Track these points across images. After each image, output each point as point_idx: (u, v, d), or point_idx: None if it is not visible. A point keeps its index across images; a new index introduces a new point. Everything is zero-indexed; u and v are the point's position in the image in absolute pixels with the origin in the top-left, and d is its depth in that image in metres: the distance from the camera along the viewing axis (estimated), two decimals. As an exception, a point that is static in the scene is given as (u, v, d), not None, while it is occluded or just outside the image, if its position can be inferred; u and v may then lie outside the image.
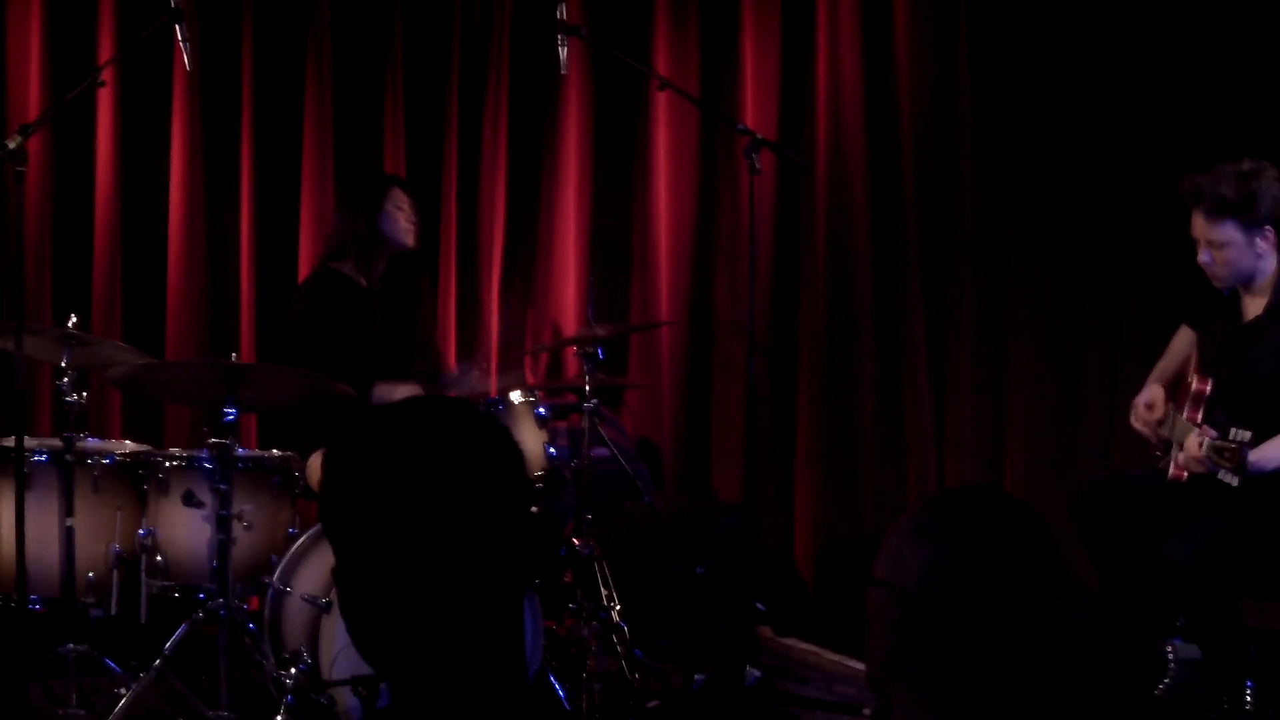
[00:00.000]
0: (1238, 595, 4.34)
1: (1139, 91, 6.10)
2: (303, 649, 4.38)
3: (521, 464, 1.69)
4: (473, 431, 1.67)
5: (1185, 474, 4.50)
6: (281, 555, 4.65)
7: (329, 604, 4.33)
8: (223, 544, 4.40)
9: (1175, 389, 4.78)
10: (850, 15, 6.66)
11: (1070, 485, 5.45)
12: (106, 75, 5.48)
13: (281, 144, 6.49)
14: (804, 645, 5.95)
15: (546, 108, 6.84)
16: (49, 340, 4.63)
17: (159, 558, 4.66)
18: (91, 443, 4.90)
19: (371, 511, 1.62)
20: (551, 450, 5.12)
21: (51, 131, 6.12)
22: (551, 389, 6.53)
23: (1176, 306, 5.05)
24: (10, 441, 4.37)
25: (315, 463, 4.97)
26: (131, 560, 4.69)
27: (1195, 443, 4.34)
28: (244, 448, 5.33)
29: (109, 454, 4.79)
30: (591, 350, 5.21)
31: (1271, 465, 4.28)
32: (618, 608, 5.17)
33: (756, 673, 4.97)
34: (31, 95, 6.13)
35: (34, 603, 4.58)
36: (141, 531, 4.68)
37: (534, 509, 5.01)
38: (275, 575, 4.58)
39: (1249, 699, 4.30)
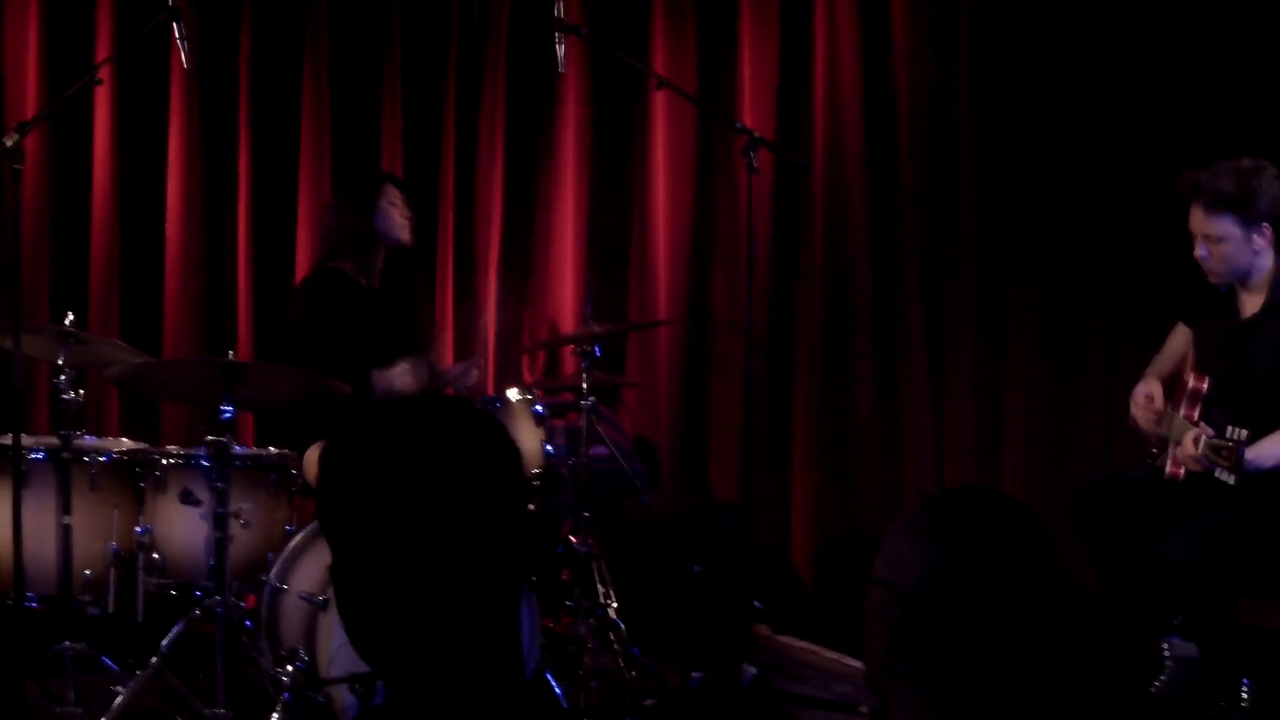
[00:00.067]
0: (1235, 594, 4.34)
1: (1137, 91, 6.10)
2: (300, 647, 4.38)
3: (518, 462, 1.69)
4: (470, 429, 1.66)
5: (1182, 472, 4.51)
6: (279, 553, 4.65)
7: (326, 602, 4.33)
8: (220, 542, 4.40)
9: (1171, 387, 4.78)
10: (848, 14, 6.66)
11: (1068, 484, 5.45)
12: (104, 73, 5.48)
13: (279, 142, 6.49)
14: (801, 643, 5.94)
15: (544, 106, 6.84)
16: (46, 338, 4.63)
17: (156, 555, 4.66)
18: (89, 441, 4.90)
19: (368, 509, 1.62)
20: (549, 448, 5.12)
21: (49, 129, 6.13)
22: (549, 387, 6.53)
23: (1175, 305, 5.05)
24: (7, 439, 4.37)
25: (313, 460, 4.97)
26: (129, 558, 4.69)
27: (1193, 441, 4.34)
28: (241, 446, 5.34)
29: (106, 452, 4.79)
30: (589, 349, 5.21)
31: (1269, 463, 4.28)
32: (615, 606, 5.17)
33: (753, 671, 4.97)
34: (29, 93, 6.13)
35: (31, 600, 4.58)
36: (139, 529, 4.68)
37: (531, 507, 5.01)
38: (272, 573, 4.58)
39: (1246, 697, 4.30)
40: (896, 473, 6.59)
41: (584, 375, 5.21)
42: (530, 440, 5.05)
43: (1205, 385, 4.59)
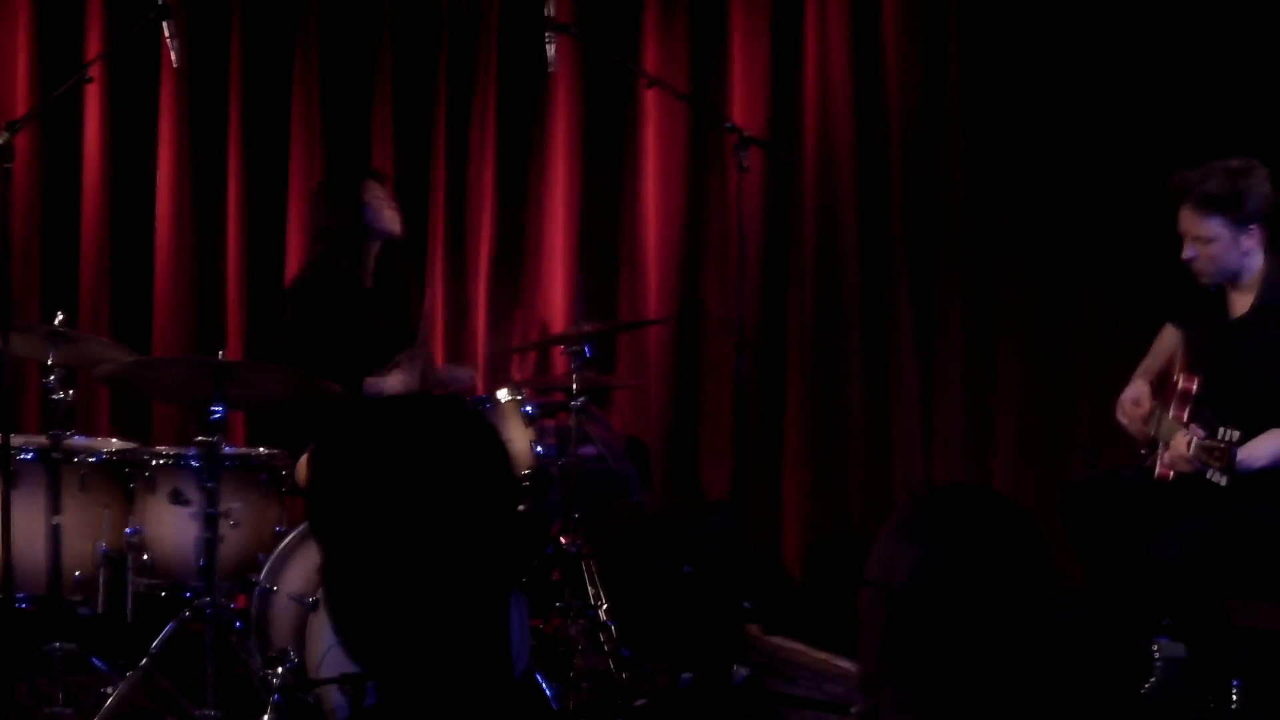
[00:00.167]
0: (1224, 595, 4.34)
1: (1128, 90, 6.10)
2: (289, 647, 4.37)
3: (508, 462, 1.69)
4: (460, 430, 1.66)
5: (1172, 473, 4.50)
6: (269, 553, 4.63)
7: (316, 602, 4.32)
8: (210, 542, 4.39)
9: (1160, 388, 4.78)
10: (839, 13, 6.65)
11: (1059, 483, 5.45)
12: (94, 71, 5.46)
13: (269, 140, 6.48)
14: (792, 644, 5.94)
15: (535, 105, 6.83)
16: (36, 337, 4.62)
17: (146, 556, 4.65)
18: (78, 440, 4.89)
19: (358, 510, 1.62)
20: (539, 448, 5.11)
21: (39, 128, 6.11)
22: (539, 387, 6.52)
23: (1165, 306, 5.05)
24: (-3, 439, 4.36)
25: (303, 460, 4.96)
26: (118, 558, 4.68)
27: (1183, 442, 4.33)
28: (231, 445, 5.32)
29: (96, 452, 4.78)
30: (579, 348, 5.21)
31: (1260, 463, 4.28)
32: (605, 606, 5.17)
33: (744, 671, 4.97)
34: (19, 91, 6.12)
35: (20, 601, 4.57)
36: (129, 529, 4.67)
37: (521, 507, 5.00)
38: (262, 573, 4.57)
39: (1235, 698, 4.30)
40: (887, 472, 6.59)
41: (574, 375, 5.20)
42: (520, 440, 5.05)
43: (1195, 385, 4.59)
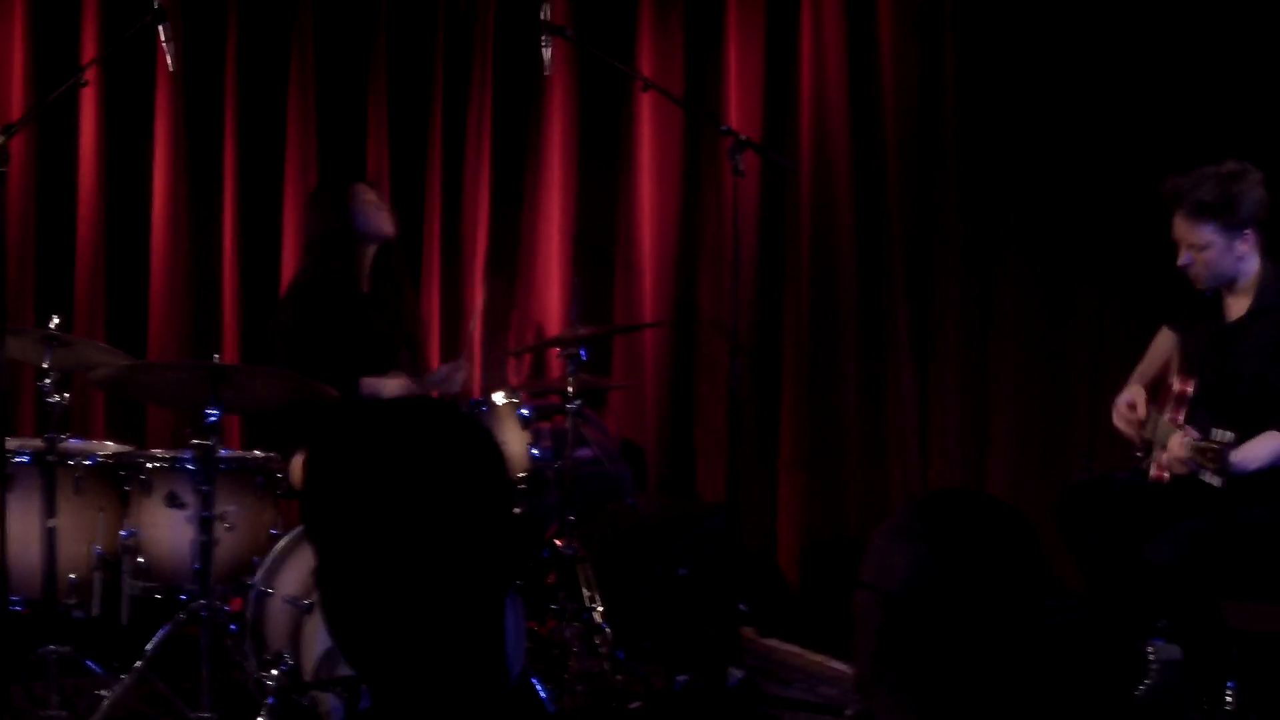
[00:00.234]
0: (1219, 596, 4.34)
1: (1125, 92, 6.09)
2: (285, 650, 4.37)
3: (504, 465, 1.69)
4: (455, 433, 1.66)
5: (1166, 475, 4.51)
6: (264, 556, 4.64)
7: (311, 605, 4.32)
8: (205, 545, 4.40)
9: (1156, 391, 4.79)
10: (834, 15, 6.66)
11: (1055, 486, 5.45)
12: (90, 75, 5.47)
13: (265, 144, 6.48)
14: (787, 646, 5.94)
15: (530, 108, 6.84)
16: (31, 341, 4.62)
17: (141, 559, 4.65)
18: (74, 443, 4.89)
19: (353, 513, 1.62)
20: (534, 451, 5.11)
21: (34, 131, 6.11)
22: (535, 390, 6.52)
23: (1162, 308, 5.05)
24: (-8, 442, 4.35)
25: (298, 463, 4.96)
26: (114, 561, 4.68)
27: (1178, 444, 4.34)
28: (227, 448, 5.32)
29: (91, 455, 4.78)
30: (575, 351, 5.21)
31: (1254, 465, 4.28)
32: (600, 609, 5.17)
33: (739, 674, 4.96)
34: (14, 95, 6.12)
35: (16, 604, 4.57)
36: (124, 532, 4.67)
37: (516, 510, 5.01)
38: (257, 576, 4.57)
39: (1230, 700, 4.30)
40: (883, 474, 6.59)
41: (570, 378, 5.21)
42: (516, 443, 5.05)
43: (1191, 388, 4.59)
